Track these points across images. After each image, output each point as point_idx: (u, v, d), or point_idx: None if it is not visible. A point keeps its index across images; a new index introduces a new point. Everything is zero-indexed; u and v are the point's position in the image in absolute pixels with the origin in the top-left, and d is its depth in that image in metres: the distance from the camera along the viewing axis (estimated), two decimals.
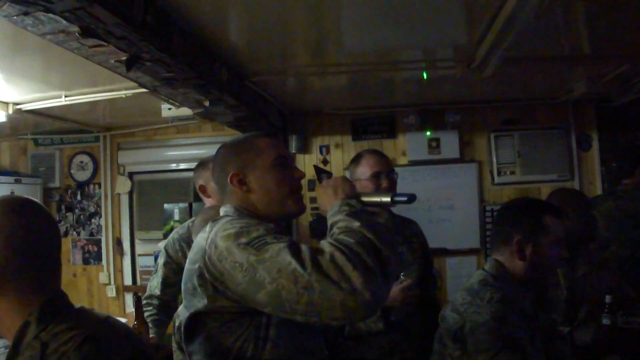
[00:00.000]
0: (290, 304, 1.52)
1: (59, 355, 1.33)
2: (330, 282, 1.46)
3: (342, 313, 1.47)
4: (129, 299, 6.29)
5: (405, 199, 1.86)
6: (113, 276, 6.41)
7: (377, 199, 1.93)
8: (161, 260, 3.43)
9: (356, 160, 3.30)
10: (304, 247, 1.57)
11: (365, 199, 1.88)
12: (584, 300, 3.19)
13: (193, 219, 3.54)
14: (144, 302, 3.30)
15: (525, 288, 2.33)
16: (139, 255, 6.40)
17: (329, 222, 1.76)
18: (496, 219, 2.50)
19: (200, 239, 1.80)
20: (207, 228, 1.83)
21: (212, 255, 1.68)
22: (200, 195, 3.47)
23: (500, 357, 2.03)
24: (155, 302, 3.36)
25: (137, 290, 5.81)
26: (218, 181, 2.06)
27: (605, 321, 3.06)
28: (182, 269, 3.33)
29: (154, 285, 3.41)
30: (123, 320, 4.09)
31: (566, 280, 3.17)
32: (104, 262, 6.43)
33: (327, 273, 1.48)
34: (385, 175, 3.18)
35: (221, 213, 1.98)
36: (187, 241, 3.37)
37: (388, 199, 1.87)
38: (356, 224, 1.63)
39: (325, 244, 1.57)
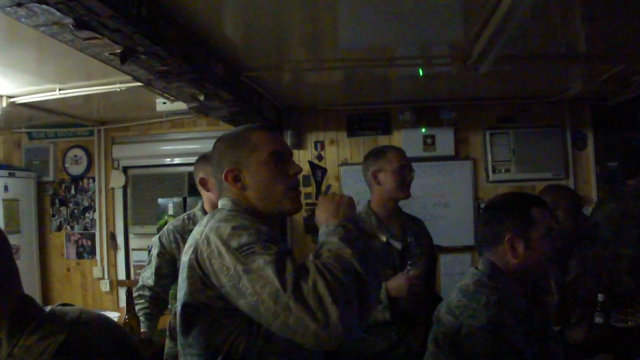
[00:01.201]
0: (266, 318, 1.53)
1: None
2: (307, 310, 1.46)
3: (313, 341, 1.47)
4: (122, 293, 6.26)
5: (399, 246, 1.83)
6: (107, 270, 6.41)
7: (370, 231, 1.88)
8: (155, 250, 3.44)
9: (379, 153, 3.38)
10: (289, 266, 1.54)
11: (362, 224, 1.84)
12: (576, 304, 3.19)
13: (189, 212, 3.54)
14: (135, 294, 3.32)
15: (520, 286, 2.29)
16: (133, 249, 6.40)
17: (320, 239, 1.74)
18: (483, 219, 2.43)
19: (196, 232, 1.80)
20: (204, 220, 1.83)
21: (204, 251, 1.68)
22: (200, 188, 3.45)
23: None
24: (147, 293, 3.36)
25: (131, 285, 5.81)
26: (215, 176, 2.03)
27: (598, 320, 3.06)
28: (175, 260, 3.37)
29: (147, 276, 3.41)
30: (115, 314, 4.09)
31: (557, 285, 3.17)
32: (97, 256, 6.42)
33: (306, 300, 1.47)
34: (409, 170, 3.30)
35: (219, 206, 1.96)
36: (181, 233, 3.41)
37: (383, 239, 1.84)
38: (348, 251, 1.61)
39: (311, 267, 1.54)
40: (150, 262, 3.44)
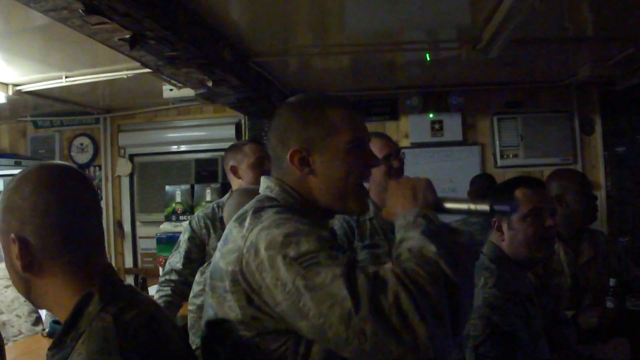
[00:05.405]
0: (336, 344, 1.25)
1: (133, 330, 1.28)
2: (390, 331, 1.18)
3: None
4: (130, 281, 6.28)
5: (507, 209, 1.46)
6: (114, 259, 6.42)
7: (465, 206, 1.52)
8: (185, 235, 3.48)
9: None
10: (361, 277, 1.24)
11: (450, 205, 1.52)
12: (588, 287, 3.18)
13: (218, 201, 3.58)
14: (162, 279, 3.38)
15: (523, 270, 2.38)
16: (140, 237, 6.40)
17: (398, 235, 1.41)
18: None
19: (237, 235, 1.45)
20: (247, 222, 1.46)
21: (251, 263, 1.37)
22: (230, 176, 3.50)
23: (487, 344, 2.07)
24: (174, 277, 3.37)
25: (139, 273, 5.82)
26: (274, 150, 1.66)
27: (609, 304, 3.05)
28: (204, 245, 3.36)
29: (175, 260, 3.43)
30: None
31: (570, 268, 3.16)
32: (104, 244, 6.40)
33: (388, 319, 1.18)
34: (395, 157, 3.13)
35: (262, 188, 1.66)
36: (211, 220, 3.45)
37: (486, 208, 1.45)
38: (432, 249, 1.29)
39: (390, 277, 1.24)
40: (179, 246, 3.48)
